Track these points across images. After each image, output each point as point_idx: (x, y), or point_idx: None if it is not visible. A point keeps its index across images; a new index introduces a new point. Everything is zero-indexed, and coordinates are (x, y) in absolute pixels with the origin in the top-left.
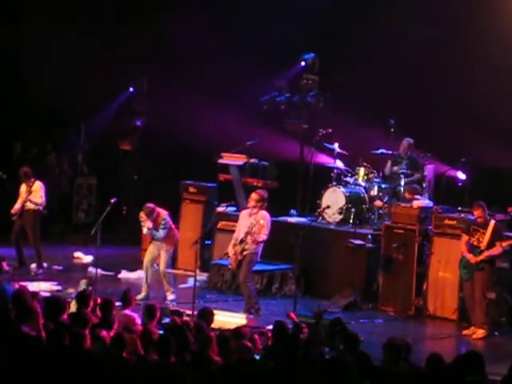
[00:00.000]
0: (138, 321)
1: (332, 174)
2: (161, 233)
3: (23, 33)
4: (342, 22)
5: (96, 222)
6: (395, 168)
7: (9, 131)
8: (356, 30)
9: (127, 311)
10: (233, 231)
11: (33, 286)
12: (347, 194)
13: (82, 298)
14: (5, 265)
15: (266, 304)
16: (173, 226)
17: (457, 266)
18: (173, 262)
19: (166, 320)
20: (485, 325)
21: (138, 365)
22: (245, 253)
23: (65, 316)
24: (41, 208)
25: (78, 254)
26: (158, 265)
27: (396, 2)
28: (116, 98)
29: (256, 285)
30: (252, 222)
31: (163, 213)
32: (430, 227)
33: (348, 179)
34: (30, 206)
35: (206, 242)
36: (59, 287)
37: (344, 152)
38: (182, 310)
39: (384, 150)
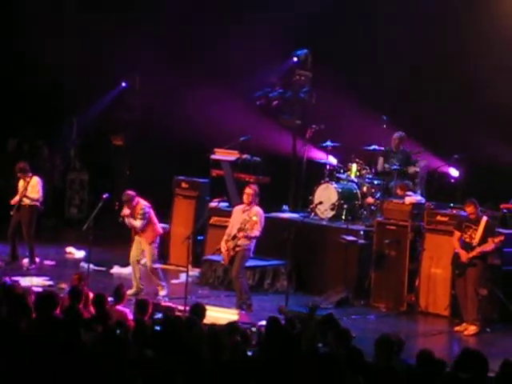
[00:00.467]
0: (130, 316)
1: (325, 170)
2: (137, 222)
3: (17, 27)
4: (339, 19)
5: (88, 217)
6: (387, 164)
7: (1, 127)
8: (355, 28)
9: (119, 306)
10: (225, 227)
11: (25, 281)
12: (340, 190)
13: (75, 294)
14: None
15: (258, 300)
16: (154, 221)
17: (449, 262)
18: (165, 257)
19: (159, 315)
20: (477, 321)
21: (135, 360)
22: (237, 249)
23: (57, 311)
24: (38, 204)
25: (70, 249)
26: None
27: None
28: (108, 92)
29: (248, 280)
30: (245, 219)
31: (144, 203)
32: (422, 223)
33: (341, 175)
34: (26, 201)
35: (199, 238)
36: (51, 282)
37: (337, 144)
38: (174, 306)
39: (376, 146)
